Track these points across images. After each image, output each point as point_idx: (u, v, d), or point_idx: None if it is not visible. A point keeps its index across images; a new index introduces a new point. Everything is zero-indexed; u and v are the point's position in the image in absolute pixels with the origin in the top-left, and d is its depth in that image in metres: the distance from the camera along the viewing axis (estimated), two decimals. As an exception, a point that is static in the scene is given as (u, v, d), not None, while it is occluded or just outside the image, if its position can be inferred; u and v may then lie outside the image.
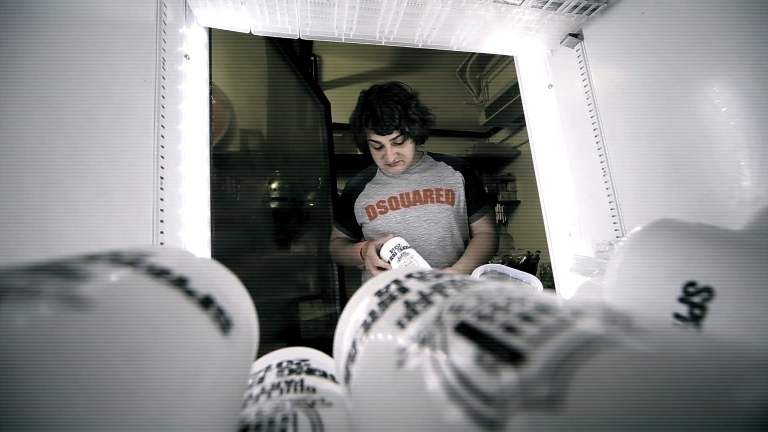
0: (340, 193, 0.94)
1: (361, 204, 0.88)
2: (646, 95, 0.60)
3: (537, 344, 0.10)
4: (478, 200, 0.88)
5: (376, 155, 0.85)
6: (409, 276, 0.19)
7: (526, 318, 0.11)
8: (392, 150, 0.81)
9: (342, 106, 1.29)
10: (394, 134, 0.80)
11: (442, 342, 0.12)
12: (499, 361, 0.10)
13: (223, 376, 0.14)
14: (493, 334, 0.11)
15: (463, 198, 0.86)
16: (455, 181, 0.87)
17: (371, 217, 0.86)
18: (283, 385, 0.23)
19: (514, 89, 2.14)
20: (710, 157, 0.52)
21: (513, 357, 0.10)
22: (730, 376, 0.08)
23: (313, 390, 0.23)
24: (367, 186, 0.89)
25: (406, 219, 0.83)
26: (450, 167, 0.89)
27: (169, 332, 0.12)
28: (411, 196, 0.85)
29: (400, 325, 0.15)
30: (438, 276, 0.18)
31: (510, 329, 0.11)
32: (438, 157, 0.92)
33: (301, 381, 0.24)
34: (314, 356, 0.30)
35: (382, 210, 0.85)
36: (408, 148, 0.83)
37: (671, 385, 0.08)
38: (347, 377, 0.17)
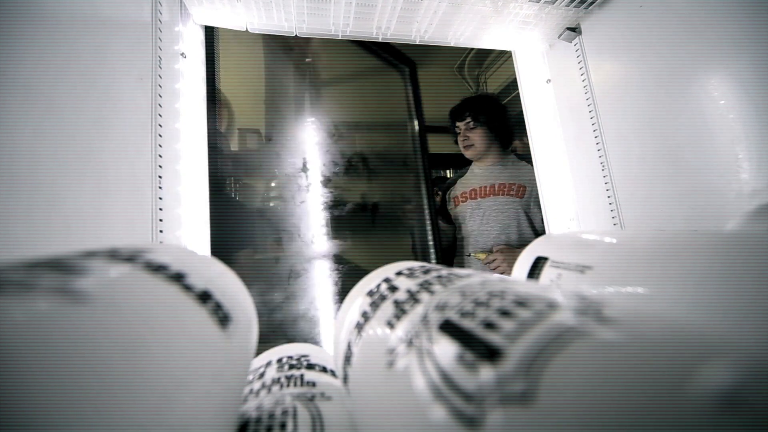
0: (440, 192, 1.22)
1: (451, 195, 1.15)
2: (645, 89, 0.60)
3: (512, 339, 0.10)
4: None
5: (459, 141, 1.09)
6: (399, 273, 0.19)
7: (505, 313, 0.11)
8: (464, 134, 1.06)
9: (341, 102, 1.25)
10: (468, 119, 1.05)
11: (428, 341, 0.12)
12: (478, 359, 0.10)
13: (222, 370, 0.14)
14: (473, 331, 0.11)
15: (536, 194, 0.97)
16: (530, 178, 0.96)
17: (455, 204, 1.11)
18: (283, 379, 0.24)
19: (512, 85, 2.13)
20: (709, 150, 0.52)
21: (491, 353, 0.10)
22: (694, 360, 0.08)
23: (313, 384, 0.23)
24: (458, 181, 1.15)
25: (480, 207, 1.03)
26: (529, 165, 1.00)
27: (167, 326, 0.12)
28: (487, 189, 1.05)
29: (390, 325, 0.15)
30: (426, 272, 0.19)
31: (489, 325, 0.11)
32: (521, 157, 1.10)
33: (301, 376, 0.24)
34: (314, 352, 0.30)
35: (464, 199, 1.09)
36: (478, 136, 1.05)
37: (638, 373, 0.08)
38: (345, 378, 0.18)
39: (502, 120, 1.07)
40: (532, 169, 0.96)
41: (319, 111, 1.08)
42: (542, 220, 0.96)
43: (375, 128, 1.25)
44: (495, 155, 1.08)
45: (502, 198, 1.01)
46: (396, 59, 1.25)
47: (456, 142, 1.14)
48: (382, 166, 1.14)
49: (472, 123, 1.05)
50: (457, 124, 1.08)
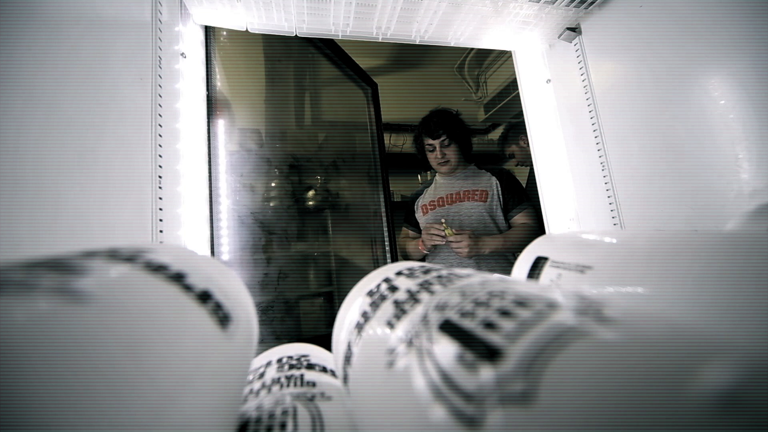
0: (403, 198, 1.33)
1: (418, 204, 1.21)
2: (645, 89, 0.60)
3: (512, 339, 0.10)
4: (515, 200, 1.10)
5: (430, 157, 1.14)
6: (399, 273, 0.19)
7: (505, 313, 0.11)
8: (440, 151, 1.10)
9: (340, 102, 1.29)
10: (443, 137, 1.09)
11: (428, 341, 0.12)
12: (478, 359, 0.10)
13: (222, 370, 0.14)
14: (473, 331, 0.11)
15: (496, 198, 1.10)
16: (490, 184, 1.12)
17: (424, 213, 1.18)
18: (283, 379, 0.24)
19: (512, 85, 2.13)
20: (709, 150, 0.52)
21: (491, 354, 0.10)
22: (694, 360, 0.08)
23: (313, 384, 0.23)
24: (425, 191, 1.22)
25: (448, 213, 1.11)
26: (488, 173, 1.15)
27: (168, 326, 0.12)
28: (453, 196, 1.13)
29: (390, 325, 0.15)
30: (426, 272, 0.19)
31: (489, 325, 0.11)
32: (481, 167, 1.18)
33: (301, 376, 0.24)
34: (314, 352, 0.30)
35: (432, 207, 1.16)
36: (452, 151, 1.10)
37: (638, 373, 0.08)
38: (345, 378, 0.18)
39: (468, 135, 1.17)
40: (491, 176, 1.14)
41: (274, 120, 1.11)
42: (504, 220, 1.12)
43: (344, 134, 1.34)
44: (461, 166, 1.17)
45: (468, 203, 1.10)
46: (362, 80, 1.34)
47: (420, 155, 1.20)
48: (347, 172, 1.22)
49: (447, 140, 1.10)
50: (431, 141, 1.12)
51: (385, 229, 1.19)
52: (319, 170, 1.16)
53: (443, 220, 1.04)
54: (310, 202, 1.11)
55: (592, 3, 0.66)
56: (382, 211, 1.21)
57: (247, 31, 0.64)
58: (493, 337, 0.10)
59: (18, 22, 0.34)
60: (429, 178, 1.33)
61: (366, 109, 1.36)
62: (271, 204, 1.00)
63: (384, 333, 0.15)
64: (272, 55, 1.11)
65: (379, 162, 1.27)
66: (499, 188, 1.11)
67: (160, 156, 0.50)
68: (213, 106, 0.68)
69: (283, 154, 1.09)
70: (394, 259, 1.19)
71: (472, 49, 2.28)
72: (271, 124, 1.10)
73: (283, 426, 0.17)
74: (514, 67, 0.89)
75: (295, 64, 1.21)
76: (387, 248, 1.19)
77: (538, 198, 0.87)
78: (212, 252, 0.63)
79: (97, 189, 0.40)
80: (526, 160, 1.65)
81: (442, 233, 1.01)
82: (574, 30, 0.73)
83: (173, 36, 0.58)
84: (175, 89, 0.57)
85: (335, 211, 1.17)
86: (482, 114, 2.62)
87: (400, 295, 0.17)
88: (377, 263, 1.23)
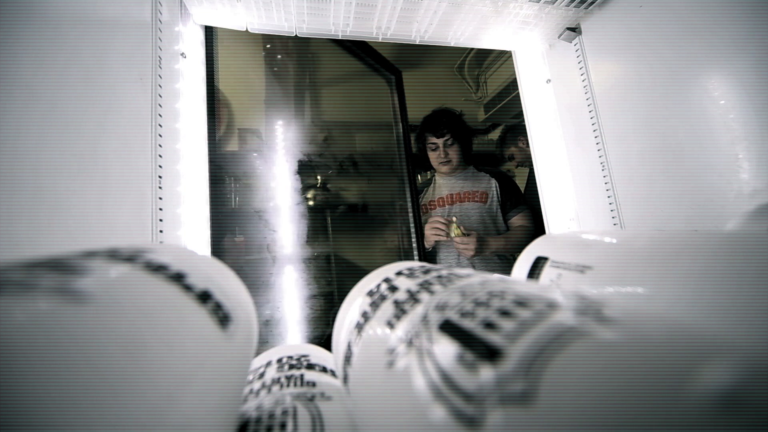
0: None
1: (421, 203, 1.21)
2: (645, 89, 0.60)
3: (512, 339, 0.10)
4: (513, 202, 1.13)
5: (432, 156, 1.16)
6: (399, 273, 0.19)
7: (505, 313, 0.11)
8: (443, 150, 1.11)
9: (341, 103, 1.29)
10: (447, 136, 1.11)
11: (428, 341, 0.12)
12: (478, 359, 0.10)
13: (222, 370, 0.14)
14: (473, 331, 0.11)
15: (495, 199, 1.12)
16: (489, 185, 1.14)
17: (424, 212, 1.19)
18: (283, 379, 0.24)
19: (512, 85, 2.13)
20: (709, 150, 0.52)
21: (491, 354, 0.10)
22: (694, 360, 0.08)
23: (313, 384, 0.23)
24: (425, 191, 1.24)
25: (450, 213, 1.12)
26: (487, 175, 1.17)
27: (167, 326, 0.12)
28: (453, 197, 1.15)
29: (390, 325, 0.15)
30: (426, 272, 0.19)
31: (489, 325, 0.11)
32: (480, 169, 1.20)
33: (301, 376, 0.24)
34: (314, 352, 0.30)
35: (432, 207, 1.17)
36: (454, 151, 1.12)
37: (638, 373, 0.08)
38: (345, 378, 0.18)
39: (470, 136, 1.19)
40: (490, 178, 1.16)
41: (304, 114, 1.11)
42: (503, 222, 1.14)
43: (363, 131, 1.32)
44: (461, 167, 1.18)
45: (468, 204, 1.13)
46: (384, 68, 1.31)
47: (420, 153, 1.20)
48: (369, 169, 1.21)
49: (450, 140, 1.12)
50: (434, 140, 1.13)
51: (412, 224, 1.15)
52: (334, 165, 1.15)
53: (454, 219, 1.03)
54: (312, 201, 1.11)
55: (592, 3, 0.66)
56: (408, 205, 1.18)
57: (247, 31, 0.64)
58: (493, 337, 0.10)
59: (18, 22, 0.34)
60: (429, 177, 1.33)
61: (390, 99, 1.30)
62: (273, 203, 1.00)
63: (384, 333, 0.15)
64: (275, 50, 1.11)
65: (404, 153, 1.20)
66: (498, 190, 1.13)
67: (160, 156, 0.50)
68: (213, 105, 0.68)
69: (297, 153, 1.08)
70: (421, 257, 1.13)
71: (472, 49, 2.28)
72: (278, 122, 1.09)
73: (283, 426, 0.17)
74: (514, 67, 0.89)
75: (305, 58, 1.20)
76: (414, 244, 1.14)
77: (537, 199, 0.87)
78: (212, 252, 0.63)
79: (96, 189, 0.40)
80: (526, 161, 1.65)
81: (446, 230, 1.01)
82: (574, 30, 0.73)
83: (173, 36, 0.58)
84: (175, 89, 0.57)
85: (356, 208, 1.15)
86: (482, 114, 2.62)
87: (400, 295, 0.17)
88: (401, 259, 1.17)
